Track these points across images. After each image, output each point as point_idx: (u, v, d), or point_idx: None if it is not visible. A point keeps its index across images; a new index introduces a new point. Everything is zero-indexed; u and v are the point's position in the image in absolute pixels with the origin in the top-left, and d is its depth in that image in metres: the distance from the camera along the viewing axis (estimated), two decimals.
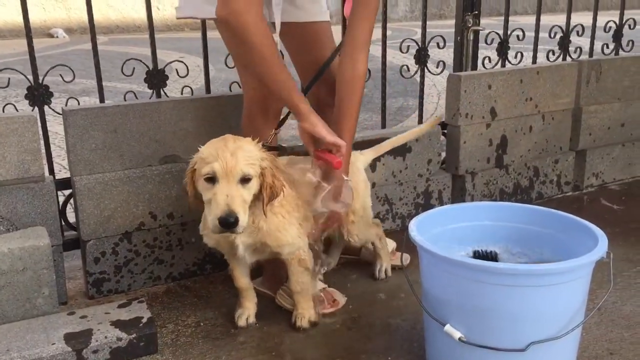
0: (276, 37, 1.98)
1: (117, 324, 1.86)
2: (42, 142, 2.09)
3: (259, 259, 1.93)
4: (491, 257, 1.82)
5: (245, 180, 1.67)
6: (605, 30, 3.30)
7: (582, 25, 3.18)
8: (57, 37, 11.18)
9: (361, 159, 2.19)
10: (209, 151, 1.68)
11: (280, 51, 1.99)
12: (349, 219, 2.10)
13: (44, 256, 1.90)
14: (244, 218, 1.64)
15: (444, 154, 2.87)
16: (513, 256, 1.83)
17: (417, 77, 2.90)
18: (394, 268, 2.34)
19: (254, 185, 1.70)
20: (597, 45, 3.32)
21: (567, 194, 3.19)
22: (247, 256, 1.88)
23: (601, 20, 3.27)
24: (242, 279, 1.99)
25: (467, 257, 1.82)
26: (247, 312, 2.01)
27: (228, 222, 1.61)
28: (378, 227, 2.28)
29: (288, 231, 1.85)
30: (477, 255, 1.84)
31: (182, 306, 2.14)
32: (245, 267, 1.97)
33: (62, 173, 3.30)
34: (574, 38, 3.21)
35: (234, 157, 1.65)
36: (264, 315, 2.04)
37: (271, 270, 2.16)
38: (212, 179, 1.66)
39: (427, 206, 2.76)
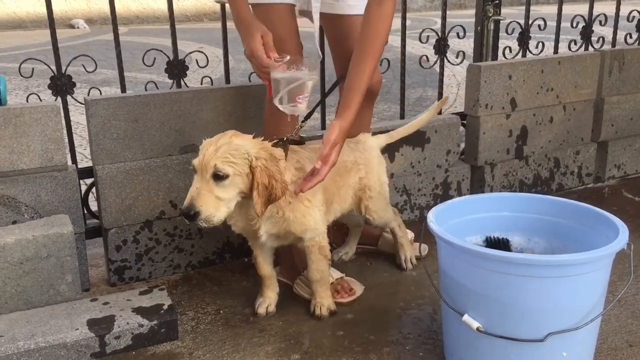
0: (316, 27, 2.04)
1: (139, 310, 1.90)
2: (65, 131, 2.13)
3: (281, 244, 1.95)
4: (503, 243, 1.81)
5: (218, 177, 1.64)
6: (628, 20, 3.25)
7: (604, 15, 3.14)
8: (77, 27, 11.28)
9: (373, 138, 2.20)
10: (203, 144, 1.69)
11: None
12: (366, 194, 2.11)
13: (67, 243, 1.93)
14: (210, 212, 1.62)
15: (463, 145, 2.86)
16: (530, 243, 1.83)
17: (437, 68, 2.88)
18: None
19: (233, 183, 1.66)
20: (620, 35, 3.27)
21: (588, 185, 3.16)
22: (270, 242, 1.91)
23: (624, 9, 3.22)
24: (265, 267, 2.01)
25: (480, 243, 1.82)
26: (268, 300, 2.03)
27: (188, 215, 1.62)
28: (397, 215, 2.29)
29: (312, 216, 1.87)
30: (489, 241, 1.83)
31: (201, 294, 2.17)
32: (268, 255, 2.00)
33: (83, 162, 3.34)
34: (596, 28, 3.16)
35: (215, 152, 1.63)
36: (283, 303, 2.06)
37: (288, 260, 2.18)
38: (195, 171, 1.67)
39: (446, 197, 2.75)
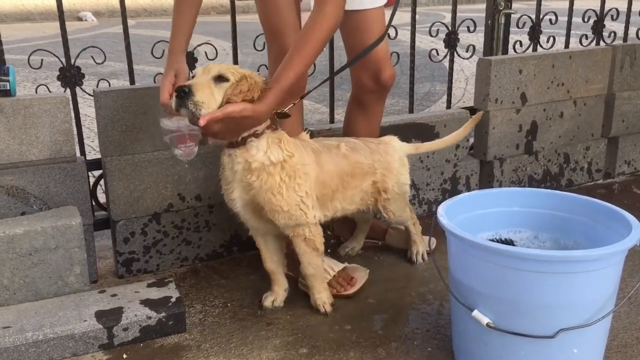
0: None
1: (147, 302, 1.89)
2: (74, 123, 2.12)
3: (264, 225, 1.90)
4: (508, 244, 1.79)
5: (219, 79, 1.69)
6: None
7: (616, 9, 3.11)
8: (85, 20, 11.29)
9: (399, 142, 2.18)
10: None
11: None
12: (382, 196, 2.10)
13: (75, 235, 1.94)
14: (202, 99, 1.65)
15: (472, 140, 2.84)
16: (537, 241, 1.82)
17: (446, 62, 2.87)
18: None
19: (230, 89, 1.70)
20: (632, 30, 3.24)
21: (598, 181, 3.14)
22: (249, 217, 1.87)
23: (636, 4, 3.20)
24: (268, 262, 2.00)
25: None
26: (275, 295, 2.03)
27: (182, 91, 1.64)
28: (412, 212, 2.28)
29: (283, 196, 1.79)
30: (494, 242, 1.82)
31: (209, 287, 2.17)
32: (274, 250, 1.98)
33: (91, 154, 3.34)
34: (608, 22, 3.14)
35: (219, 65, 1.72)
36: (291, 297, 2.05)
37: (292, 255, 2.16)
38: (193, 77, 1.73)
39: (454, 192, 2.74)
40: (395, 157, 2.13)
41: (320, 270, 1.96)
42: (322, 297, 1.98)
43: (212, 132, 1.71)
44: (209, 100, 1.67)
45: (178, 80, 1.86)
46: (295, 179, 1.82)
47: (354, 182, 2.01)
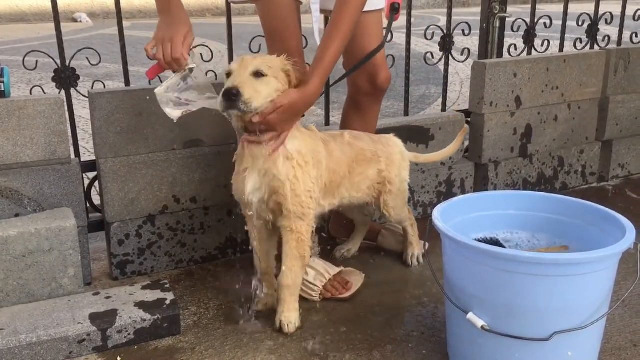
0: (315, 21, 2.04)
1: (141, 305, 1.89)
2: (68, 124, 2.12)
3: (266, 215, 1.88)
4: (493, 243, 1.80)
5: (258, 74, 1.72)
6: (634, 19, 3.24)
7: (610, 14, 3.13)
8: (80, 21, 11.27)
9: (397, 138, 2.20)
10: (236, 59, 1.78)
11: None
12: (386, 187, 2.11)
13: (69, 237, 1.93)
14: (251, 95, 1.68)
15: (467, 143, 2.85)
16: (534, 240, 1.82)
17: (441, 65, 2.87)
18: None
19: (270, 83, 1.74)
20: (626, 34, 3.26)
21: (592, 184, 3.15)
22: (256, 204, 1.83)
23: (630, 8, 3.21)
24: (262, 261, 1.98)
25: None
26: (267, 298, 2.01)
27: (230, 94, 1.67)
28: (410, 214, 2.29)
29: (299, 181, 1.80)
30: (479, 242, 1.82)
31: (204, 289, 2.16)
32: (266, 250, 1.97)
33: (85, 156, 3.33)
34: (602, 26, 3.15)
35: (254, 59, 1.75)
36: None
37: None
38: (229, 75, 1.75)
39: (449, 195, 2.75)
40: (396, 149, 2.16)
41: (298, 284, 1.91)
42: (290, 317, 1.89)
43: (269, 125, 1.75)
44: (256, 94, 1.71)
45: (188, 39, 1.87)
46: (310, 168, 1.84)
47: (359, 169, 2.03)
